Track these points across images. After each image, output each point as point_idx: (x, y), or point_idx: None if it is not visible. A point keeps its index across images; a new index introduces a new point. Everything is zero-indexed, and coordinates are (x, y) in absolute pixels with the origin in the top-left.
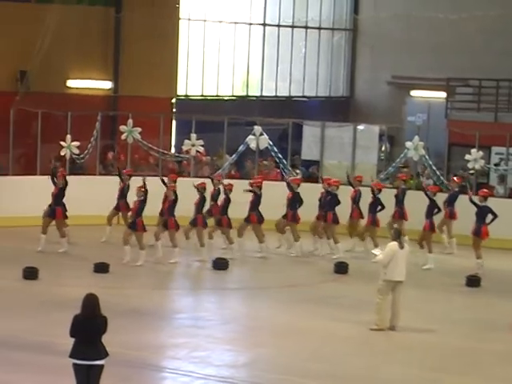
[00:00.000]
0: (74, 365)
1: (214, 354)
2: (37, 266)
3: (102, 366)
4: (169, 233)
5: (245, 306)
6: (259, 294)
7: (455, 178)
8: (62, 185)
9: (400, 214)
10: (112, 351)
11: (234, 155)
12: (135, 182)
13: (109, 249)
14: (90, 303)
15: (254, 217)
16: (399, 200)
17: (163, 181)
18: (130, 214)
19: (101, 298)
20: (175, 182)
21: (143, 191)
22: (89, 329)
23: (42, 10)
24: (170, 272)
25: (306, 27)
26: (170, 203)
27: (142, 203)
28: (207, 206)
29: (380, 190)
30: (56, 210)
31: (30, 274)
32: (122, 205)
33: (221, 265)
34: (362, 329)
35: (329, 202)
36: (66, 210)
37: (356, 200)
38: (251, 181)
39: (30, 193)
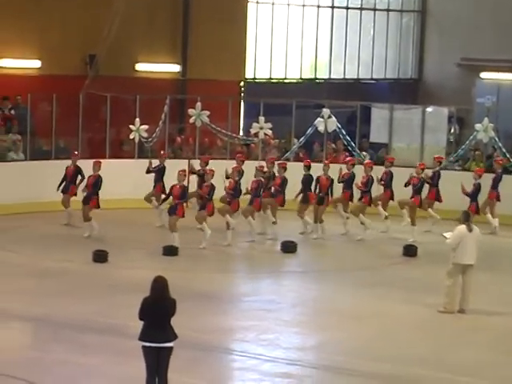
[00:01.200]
0: (144, 347)
1: (283, 337)
2: (106, 249)
3: (171, 349)
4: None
5: (313, 288)
6: (328, 276)
7: (499, 160)
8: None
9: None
10: (181, 334)
11: (301, 138)
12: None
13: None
14: (159, 286)
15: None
16: (495, 183)
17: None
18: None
19: (170, 280)
20: (243, 162)
21: (185, 175)
22: (158, 311)
23: None
24: (238, 255)
25: (375, 9)
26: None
27: (184, 188)
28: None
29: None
30: (91, 199)
31: (100, 257)
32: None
33: (289, 247)
34: (432, 312)
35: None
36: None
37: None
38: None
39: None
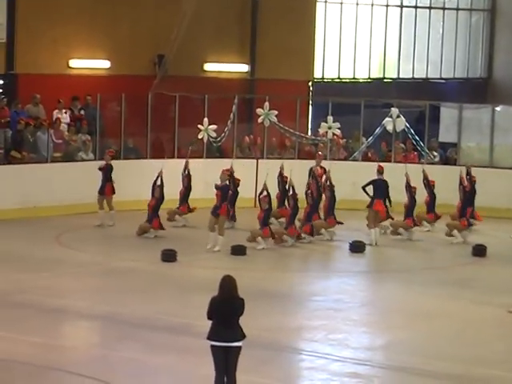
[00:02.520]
0: (212, 346)
1: (351, 337)
2: (175, 248)
3: (239, 348)
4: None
5: (382, 288)
6: (397, 276)
7: None
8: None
9: None
10: (249, 333)
11: (370, 138)
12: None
13: (242, 233)
14: (228, 285)
15: None
16: None
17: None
18: None
19: (238, 280)
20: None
21: (228, 175)
22: (226, 311)
23: None
24: (306, 255)
25: (444, 8)
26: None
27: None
28: None
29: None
30: (106, 187)
31: (169, 256)
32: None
33: (358, 247)
34: (502, 312)
35: None
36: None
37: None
38: None
39: (168, 176)
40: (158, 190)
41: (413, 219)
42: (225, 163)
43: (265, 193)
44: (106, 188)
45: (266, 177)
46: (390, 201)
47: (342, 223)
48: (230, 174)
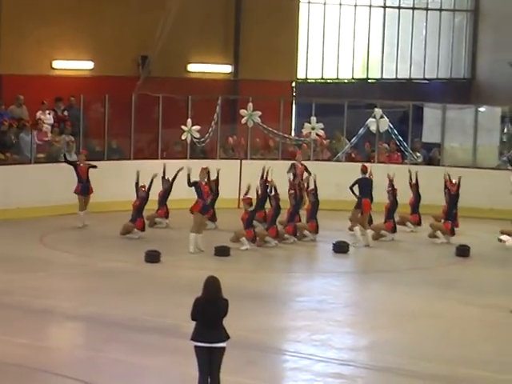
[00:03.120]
0: (196, 347)
1: (335, 337)
2: (158, 249)
3: (223, 349)
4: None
5: (366, 289)
6: (381, 276)
7: None
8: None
9: None
10: (233, 334)
11: (354, 138)
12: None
13: (226, 233)
14: (212, 286)
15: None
16: None
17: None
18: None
19: (222, 281)
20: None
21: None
22: (210, 311)
23: None
24: (290, 255)
25: (427, 9)
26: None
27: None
28: None
29: None
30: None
31: (153, 257)
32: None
33: (341, 248)
34: (487, 312)
35: None
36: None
37: None
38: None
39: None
40: (141, 191)
41: (393, 222)
42: (208, 164)
43: (250, 194)
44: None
45: (268, 174)
46: (371, 200)
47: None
48: (207, 172)
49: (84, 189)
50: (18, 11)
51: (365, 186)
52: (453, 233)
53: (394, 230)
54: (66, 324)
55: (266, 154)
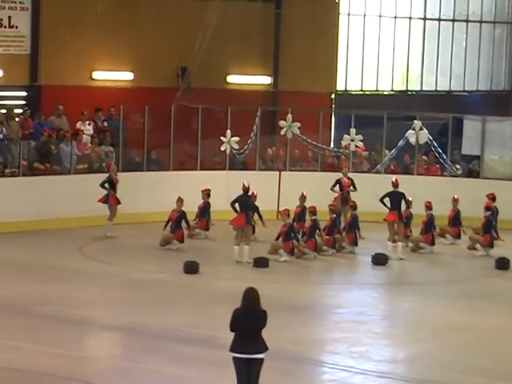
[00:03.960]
0: (234, 358)
1: (374, 349)
2: (197, 260)
3: (261, 360)
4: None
5: (405, 301)
6: (419, 289)
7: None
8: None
9: None
10: (272, 345)
11: (393, 150)
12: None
13: (264, 245)
14: (251, 297)
15: None
16: None
17: None
18: None
19: (261, 292)
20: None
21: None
22: (249, 323)
23: (203, 7)
24: (329, 267)
25: (467, 21)
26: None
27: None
28: None
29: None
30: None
31: (191, 268)
32: None
33: (380, 260)
34: None
35: None
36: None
37: None
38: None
39: (191, 188)
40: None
41: (432, 234)
42: (247, 175)
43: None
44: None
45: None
46: (399, 214)
47: (362, 238)
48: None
49: (117, 199)
50: (58, 22)
51: (394, 199)
52: (491, 245)
53: (432, 243)
54: (102, 334)
55: (304, 166)
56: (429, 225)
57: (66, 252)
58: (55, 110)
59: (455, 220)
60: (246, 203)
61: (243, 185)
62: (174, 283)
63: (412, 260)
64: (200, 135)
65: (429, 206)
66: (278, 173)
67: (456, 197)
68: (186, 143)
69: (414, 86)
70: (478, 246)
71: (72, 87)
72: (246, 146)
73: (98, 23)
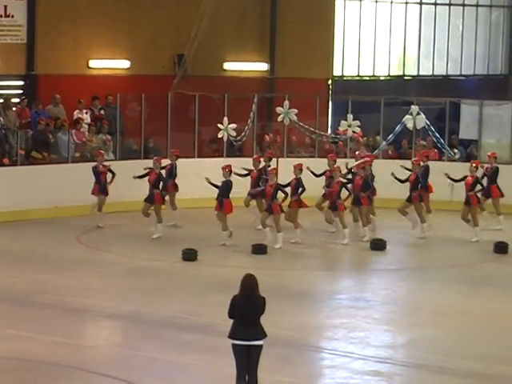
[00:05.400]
0: (234, 345)
1: (373, 335)
2: (195, 247)
3: (260, 347)
4: (274, 217)
5: (403, 286)
6: (418, 274)
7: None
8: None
9: None
10: (270, 332)
11: (390, 135)
12: (290, 163)
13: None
14: (249, 284)
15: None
16: None
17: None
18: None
19: (259, 279)
20: (335, 162)
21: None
22: (247, 309)
23: None
24: (327, 253)
25: (464, 5)
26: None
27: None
28: None
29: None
30: (154, 195)
31: (190, 255)
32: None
33: (378, 245)
34: None
35: None
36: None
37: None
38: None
39: (190, 176)
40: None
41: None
42: (245, 162)
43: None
44: (169, 186)
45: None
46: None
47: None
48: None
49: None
50: (54, 11)
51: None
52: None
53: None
54: (102, 322)
55: (302, 152)
56: None
57: (64, 241)
58: (52, 98)
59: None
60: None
61: None
62: (173, 271)
63: (410, 244)
64: (197, 122)
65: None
66: (275, 159)
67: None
68: (182, 131)
69: (411, 70)
70: (476, 229)
71: (69, 76)
72: (243, 133)
73: (94, 12)
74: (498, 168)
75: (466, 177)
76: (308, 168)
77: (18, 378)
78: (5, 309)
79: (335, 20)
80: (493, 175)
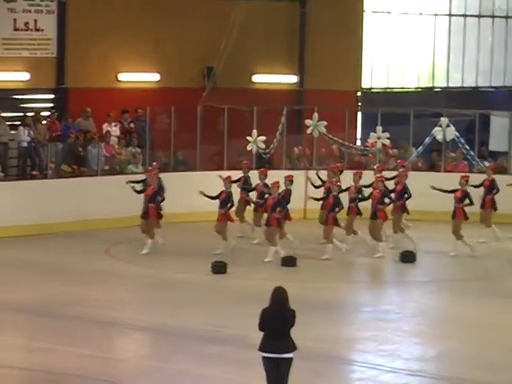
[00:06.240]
0: (264, 358)
1: (403, 347)
2: (225, 260)
3: (290, 359)
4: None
5: (433, 298)
6: (447, 286)
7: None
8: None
9: None
10: (301, 344)
11: (420, 147)
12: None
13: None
14: (279, 296)
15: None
16: None
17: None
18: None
19: (288, 291)
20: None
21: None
22: (278, 322)
23: (228, 7)
24: (357, 265)
25: (493, 16)
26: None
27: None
28: None
29: None
30: (149, 210)
31: (219, 268)
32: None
33: (408, 257)
34: None
35: None
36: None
37: None
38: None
39: (218, 188)
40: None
41: None
42: (274, 174)
43: None
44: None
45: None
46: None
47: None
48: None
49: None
50: (84, 24)
51: None
52: None
53: None
54: (130, 335)
55: (331, 164)
56: None
57: (94, 253)
58: (83, 112)
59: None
60: None
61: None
62: (203, 283)
63: (441, 257)
64: (226, 135)
65: None
66: (304, 171)
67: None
68: (212, 143)
69: (441, 82)
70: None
71: (98, 89)
72: (271, 146)
73: (123, 25)
74: (494, 180)
75: (455, 190)
76: (309, 178)
77: None
78: (33, 321)
79: (364, 32)
80: (490, 187)
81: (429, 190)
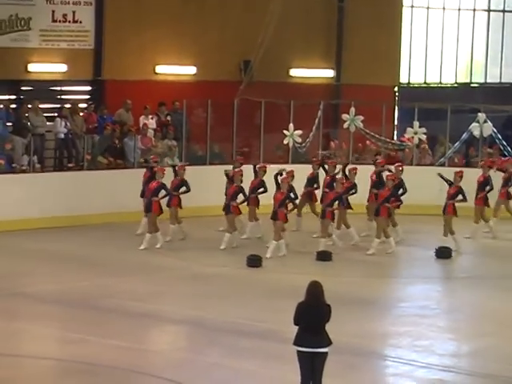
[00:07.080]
0: (298, 352)
1: (437, 343)
2: (260, 253)
3: (325, 354)
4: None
5: (469, 294)
6: (484, 282)
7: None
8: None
9: None
10: (335, 339)
11: (457, 143)
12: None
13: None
14: (315, 291)
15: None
16: None
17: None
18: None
19: (324, 286)
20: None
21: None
22: (313, 317)
23: (266, 0)
24: (392, 260)
25: None
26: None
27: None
28: None
29: None
30: (152, 203)
31: (254, 261)
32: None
33: (444, 253)
34: None
35: None
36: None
37: None
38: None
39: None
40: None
41: None
42: (310, 169)
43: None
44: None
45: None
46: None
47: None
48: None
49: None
50: (121, 16)
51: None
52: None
53: None
54: (165, 327)
55: (367, 159)
56: None
57: (129, 246)
58: (124, 104)
59: None
60: None
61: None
62: (238, 277)
63: (477, 253)
64: (263, 129)
65: None
66: (340, 166)
67: None
68: (248, 137)
69: (478, 78)
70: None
71: (135, 82)
72: (307, 140)
73: (161, 17)
74: (489, 176)
75: (452, 183)
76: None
77: (82, 382)
78: (70, 312)
79: (402, 27)
80: (483, 183)
81: (468, 185)
